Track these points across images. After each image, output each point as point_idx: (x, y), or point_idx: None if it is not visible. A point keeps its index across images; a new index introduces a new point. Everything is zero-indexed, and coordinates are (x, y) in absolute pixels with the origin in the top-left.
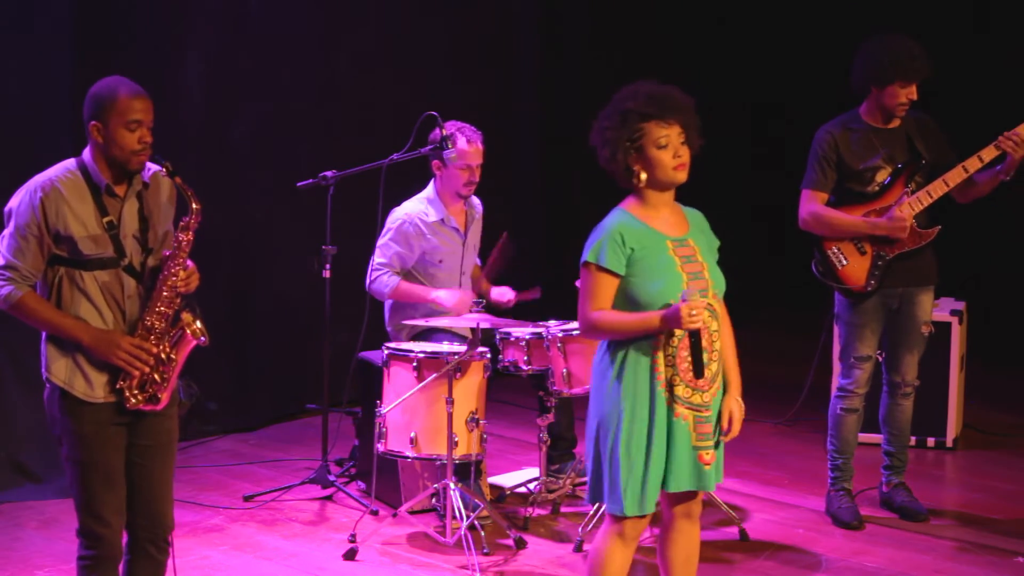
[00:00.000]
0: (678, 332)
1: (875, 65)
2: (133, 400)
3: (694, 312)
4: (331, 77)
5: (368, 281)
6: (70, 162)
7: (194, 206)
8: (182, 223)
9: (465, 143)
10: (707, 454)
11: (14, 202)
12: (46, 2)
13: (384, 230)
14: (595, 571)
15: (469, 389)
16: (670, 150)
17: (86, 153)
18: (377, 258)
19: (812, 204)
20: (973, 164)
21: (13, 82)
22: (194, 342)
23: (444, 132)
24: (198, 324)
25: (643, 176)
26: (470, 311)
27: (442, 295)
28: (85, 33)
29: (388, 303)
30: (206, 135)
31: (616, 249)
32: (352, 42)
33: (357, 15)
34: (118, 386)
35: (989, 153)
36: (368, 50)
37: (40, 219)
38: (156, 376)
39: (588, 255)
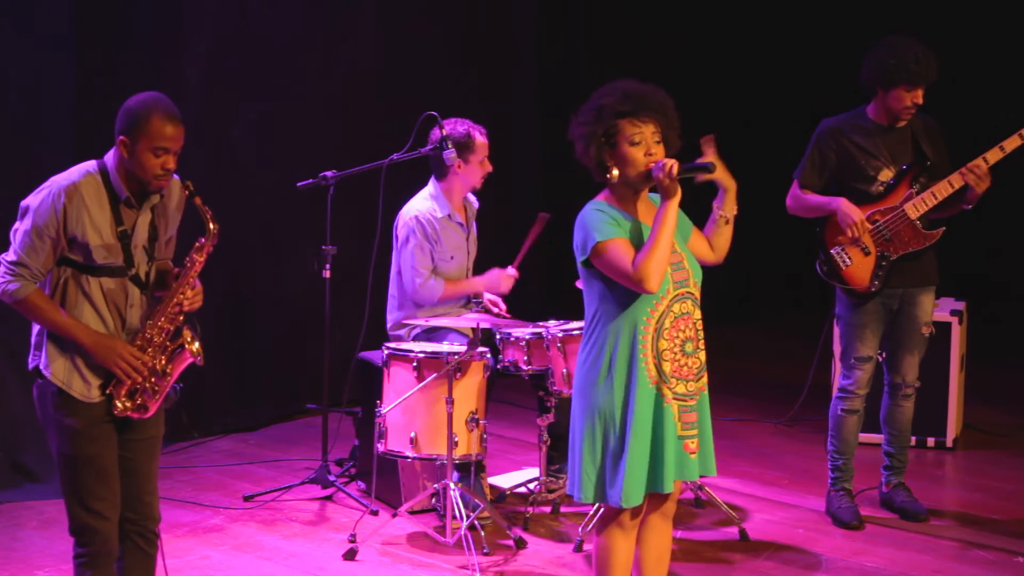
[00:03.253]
0: (667, 323)
1: (881, 67)
2: (121, 406)
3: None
4: (331, 77)
5: (412, 291)
6: (91, 164)
7: (211, 227)
8: (197, 244)
9: (482, 137)
10: (692, 443)
11: (34, 201)
12: (46, 2)
13: (404, 237)
14: (603, 567)
15: (469, 389)
16: (642, 147)
17: (110, 158)
18: (418, 266)
19: (795, 190)
20: (960, 178)
21: (13, 83)
22: (191, 360)
23: (444, 132)
24: (197, 345)
25: (615, 172)
26: (478, 304)
27: (487, 277)
28: (85, 33)
29: (392, 303)
30: (206, 135)
31: (609, 221)
32: (352, 42)
33: (357, 15)
34: (108, 391)
35: (957, 180)
36: (368, 49)
37: (60, 223)
38: (148, 386)
39: (591, 242)
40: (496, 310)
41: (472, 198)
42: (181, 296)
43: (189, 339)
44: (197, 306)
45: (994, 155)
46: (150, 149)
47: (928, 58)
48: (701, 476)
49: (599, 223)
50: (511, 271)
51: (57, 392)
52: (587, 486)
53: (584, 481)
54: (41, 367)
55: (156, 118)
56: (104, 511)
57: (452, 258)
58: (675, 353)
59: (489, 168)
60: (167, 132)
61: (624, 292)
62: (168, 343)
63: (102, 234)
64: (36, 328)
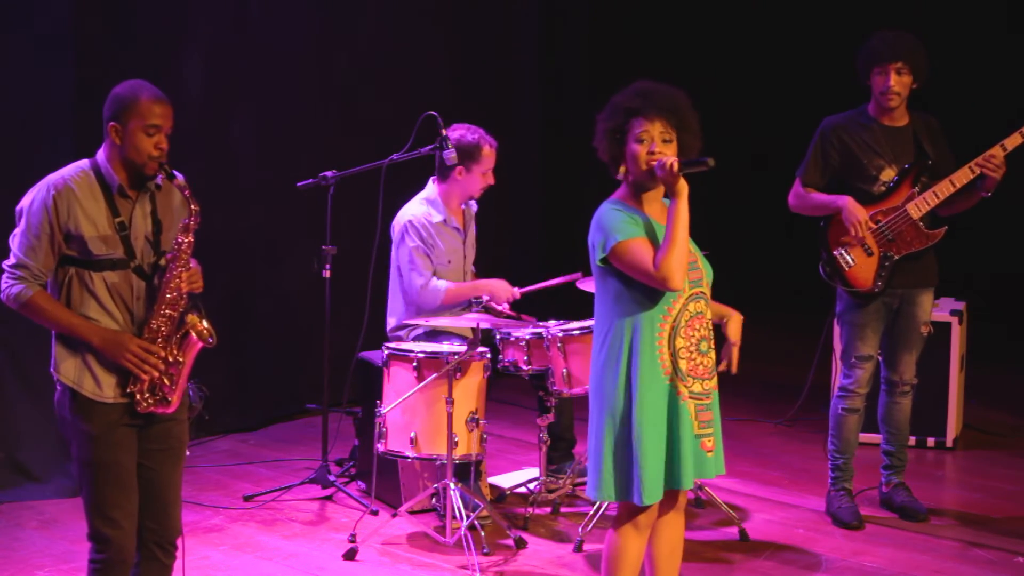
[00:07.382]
0: (682, 322)
1: (859, 57)
2: (144, 403)
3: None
4: (331, 77)
5: (415, 294)
6: (83, 162)
7: (193, 207)
8: (182, 224)
9: (491, 149)
10: (709, 441)
11: (26, 201)
12: (46, 2)
13: (400, 240)
14: (613, 565)
15: (469, 389)
16: (646, 145)
17: (100, 154)
18: (420, 269)
19: (798, 188)
20: (965, 175)
21: (13, 82)
22: (200, 343)
23: (444, 131)
24: (204, 324)
25: (622, 169)
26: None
27: (491, 283)
28: (85, 33)
29: (391, 305)
30: (206, 135)
31: (628, 220)
32: (352, 42)
33: (357, 15)
34: (129, 390)
35: (960, 178)
36: (368, 49)
37: (52, 217)
38: (165, 379)
39: (611, 242)
40: (499, 307)
41: (471, 201)
42: (177, 281)
43: (195, 321)
44: (198, 287)
45: (1013, 141)
46: (142, 129)
47: (898, 38)
48: (716, 475)
49: (618, 223)
50: (516, 292)
51: (72, 396)
52: (606, 485)
53: (604, 480)
54: (52, 369)
55: (144, 99)
56: (119, 519)
57: (449, 262)
58: (691, 352)
59: (491, 181)
60: (156, 111)
61: (642, 290)
62: (175, 331)
63: (97, 225)
64: (52, 334)
